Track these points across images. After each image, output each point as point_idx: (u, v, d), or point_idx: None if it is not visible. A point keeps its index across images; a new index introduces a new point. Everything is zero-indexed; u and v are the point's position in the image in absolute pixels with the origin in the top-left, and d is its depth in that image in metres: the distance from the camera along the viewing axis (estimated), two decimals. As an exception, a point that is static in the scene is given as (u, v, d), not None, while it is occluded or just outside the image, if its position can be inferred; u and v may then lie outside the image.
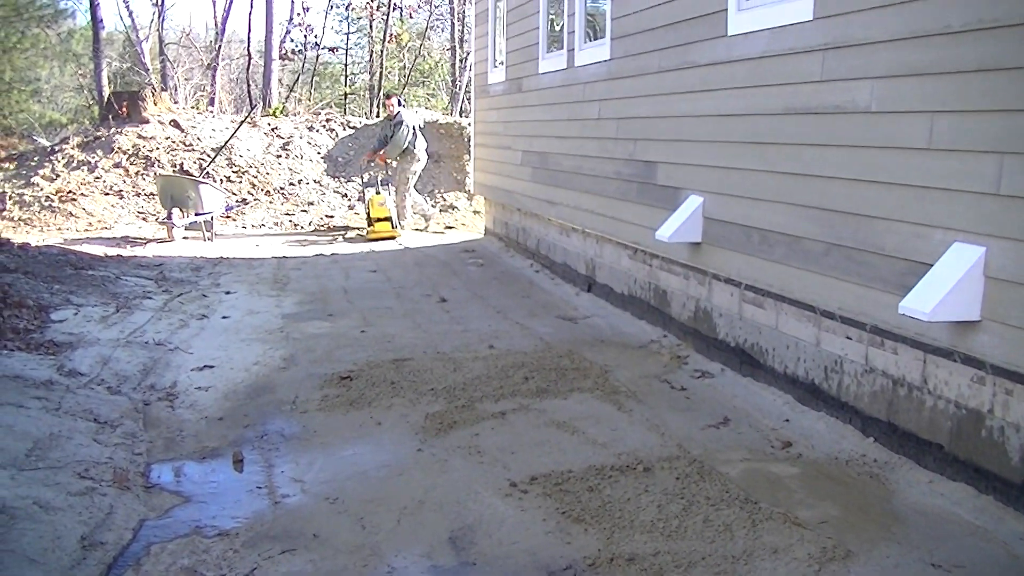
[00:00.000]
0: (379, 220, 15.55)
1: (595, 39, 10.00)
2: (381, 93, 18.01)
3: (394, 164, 16.35)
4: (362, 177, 17.01)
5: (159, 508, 4.70)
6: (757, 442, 5.65)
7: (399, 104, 16.63)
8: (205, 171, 17.75)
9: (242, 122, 19.84)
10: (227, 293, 10.41)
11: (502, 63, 13.87)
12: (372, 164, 16.84)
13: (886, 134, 5.26)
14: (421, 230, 16.78)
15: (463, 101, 33.11)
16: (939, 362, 4.96)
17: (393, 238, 15.51)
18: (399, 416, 6.10)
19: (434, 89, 40.89)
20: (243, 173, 18.86)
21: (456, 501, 4.77)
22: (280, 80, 30.46)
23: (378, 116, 19.46)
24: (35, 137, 26.50)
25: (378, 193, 16.03)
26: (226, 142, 18.57)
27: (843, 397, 5.81)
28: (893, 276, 5.16)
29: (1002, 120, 4.45)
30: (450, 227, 17.59)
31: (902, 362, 5.27)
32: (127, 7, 37.88)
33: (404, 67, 36.85)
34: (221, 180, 18.14)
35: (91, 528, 4.34)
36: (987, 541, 4.27)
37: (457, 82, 34.59)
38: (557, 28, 11.28)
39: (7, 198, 16.53)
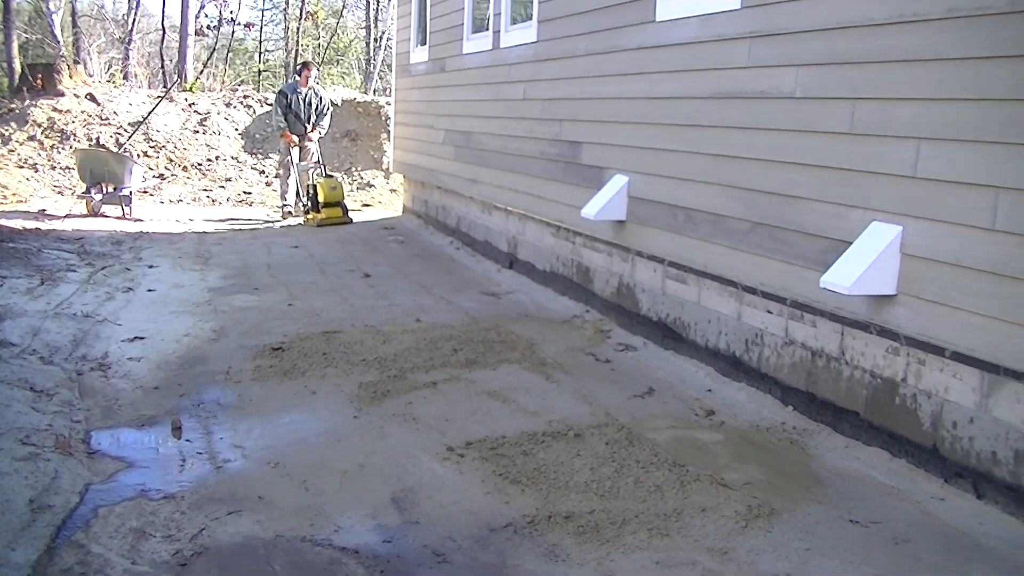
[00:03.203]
0: (329, 205, 14.50)
1: (522, 21, 10.14)
2: (298, 62, 16.97)
3: (306, 143, 15.28)
4: (290, 156, 15.23)
5: (103, 473, 4.77)
6: (682, 411, 5.88)
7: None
8: (123, 146, 17.59)
9: (161, 98, 19.68)
10: (150, 267, 10.41)
11: (425, 43, 13.95)
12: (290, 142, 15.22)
13: (810, 119, 5.51)
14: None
15: (377, 79, 33.06)
16: (856, 334, 5.24)
17: (346, 224, 14.62)
18: (333, 386, 6.22)
19: (348, 67, 40.75)
20: (160, 148, 18.74)
21: (396, 465, 4.91)
22: (195, 56, 30.22)
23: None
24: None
25: (329, 176, 15.11)
26: (146, 117, 18.40)
27: (763, 368, 6.07)
28: (814, 253, 5.42)
29: (920, 107, 4.72)
30: (367, 205, 17.58)
31: (821, 334, 5.54)
32: (38, -23, 37.29)
33: (320, 45, 36.69)
34: (139, 155, 17.97)
35: (38, 492, 4.39)
36: (901, 500, 4.53)
37: (371, 61, 34.52)
38: (483, 9, 11.41)
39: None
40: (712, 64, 6.46)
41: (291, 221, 15.15)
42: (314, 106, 15.24)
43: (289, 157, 15.21)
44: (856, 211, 5.11)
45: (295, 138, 15.10)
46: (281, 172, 15.78)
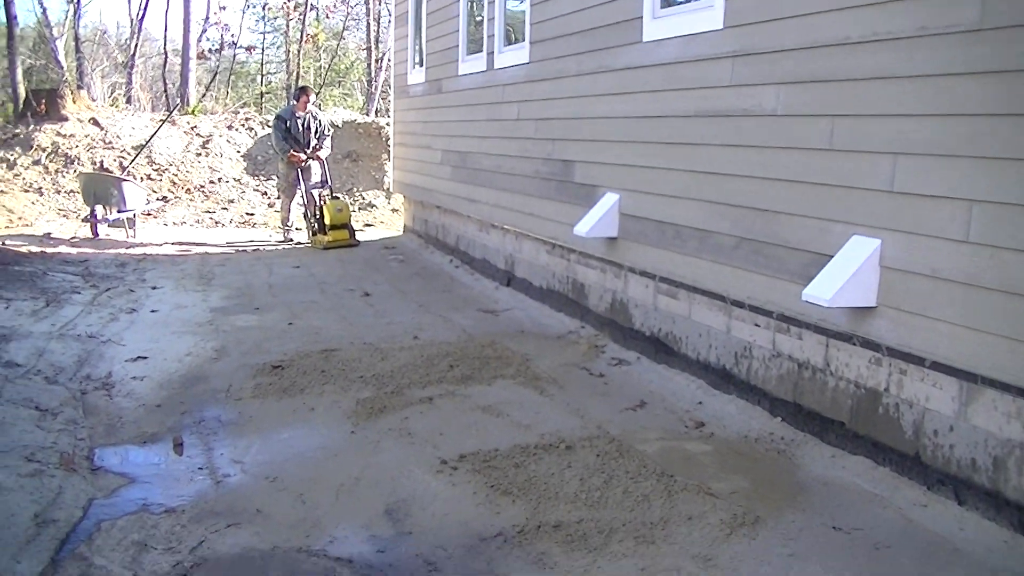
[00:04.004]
0: (335, 227, 14.35)
1: (514, 43, 10.27)
2: (297, 86, 16.65)
3: (308, 164, 14.98)
4: (301, 178, 14.92)
5: (106, 488, 4.88)
6: (672, 423, 5.98)
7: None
8: (126, 169, 17.72)
9: (163, 121, 19.81)
10: (154, 288, 10.54)
11: (422, 64, 14.08)
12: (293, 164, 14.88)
13: (791, 136, 5.63)
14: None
15: (378, 101, 33.19)
16: (840, 346, 5.35)
17: (353, 246, 14.49)
18: (331, 402, 6.33)
19: (349, 89, 40.91)
20: (163, 171, 18.90)
21: (390, 478, 5.01)
22: (198, 79, 30.40)
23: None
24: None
25: (335, 198, 14.84)
26: (148, 141, 18.51)
27: (752, 380, 6.18)
28: (798, 267, 5.53)
29: (896, 123, 4.83)
30: (369, 225, 17.67)
31: (806, 346, 5.65)
32: (40, 3, 37.49)
33: (320, 67, 36.86)
34: (142, 178, 18.11)
35: (43, 507, 4.51)
36: (884, 507, 4.63)
37: (373, 82, 34.66)
38: (477, 32, 11.55)
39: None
40: (696, 83, 6.58)
41: (295, 243, 15.17)
42: (313, 130, 15.01)
43: (290, 180, 15.05)
44: (837, 225, 5.23)
45: (302, 156, 14.77)
46: (282, 196, 15.58)
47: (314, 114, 15.23)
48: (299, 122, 14.92)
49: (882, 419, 5.06)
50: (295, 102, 15.27)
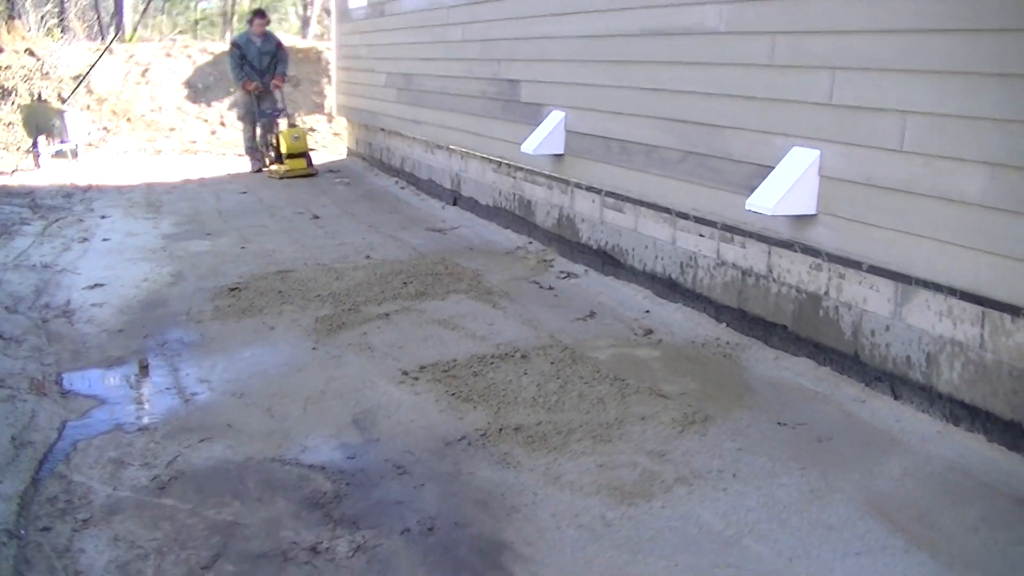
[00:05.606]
0: (292, 156, 13.84)
1: (457, -37, 10.30)
2: (250, 11, 15.85)
3: (270, 92, 14.37)
4: (259, 107, 14.34)
5: (78, 411, 5.02)
6: (622, 331, 6.21)
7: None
8: (66, 100, 17.56)
9: (103, 51, 19.58)
10: (103, 217, 10.58)
11: (364, -12, 14.06)
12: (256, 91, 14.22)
13: (733, 52, 5.81)
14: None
15: (315, 24, 32.94)
16: (782, 253, 5.59)
17: (311, 176, 13.97)
18: (290, 321, 6.48)
19: (284, 13, 40.52)
20: (103, 101, 18.71)
21: (354, 390, 5.21)
22: (132, 7, 29.98)
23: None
24: None
25: (292, 125, 14.30)
26: (89, 70, 18.26)
27: (698, 289, 6.42)
28: (740, 179, 5.75)
29: (833, 39, 5.03)
30: (312, 149, 17.52)
31: (750, 255, 5.89)
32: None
33: (254, -9, 36.43)
34: (82, 108, 17.90)
35: (19, 430, 4.63)
36: (825, 403, 4.90)
37: (308, 6, 34.37)
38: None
39: None
40: (641, 3, 6.72)
41: (242, 169, 14.92)
42: (270, 55, 14.33)
43: (248, 108, 14.43)
44: (778, 138, 5.44)
45: (256, 85, 14.12)
46: (243, 125, 14.89)
47: (271, 38, 14.59)
48: (256, 48, 14.25)
49: (823, 321, 5.32)
50: (249, 27, 14.59)
